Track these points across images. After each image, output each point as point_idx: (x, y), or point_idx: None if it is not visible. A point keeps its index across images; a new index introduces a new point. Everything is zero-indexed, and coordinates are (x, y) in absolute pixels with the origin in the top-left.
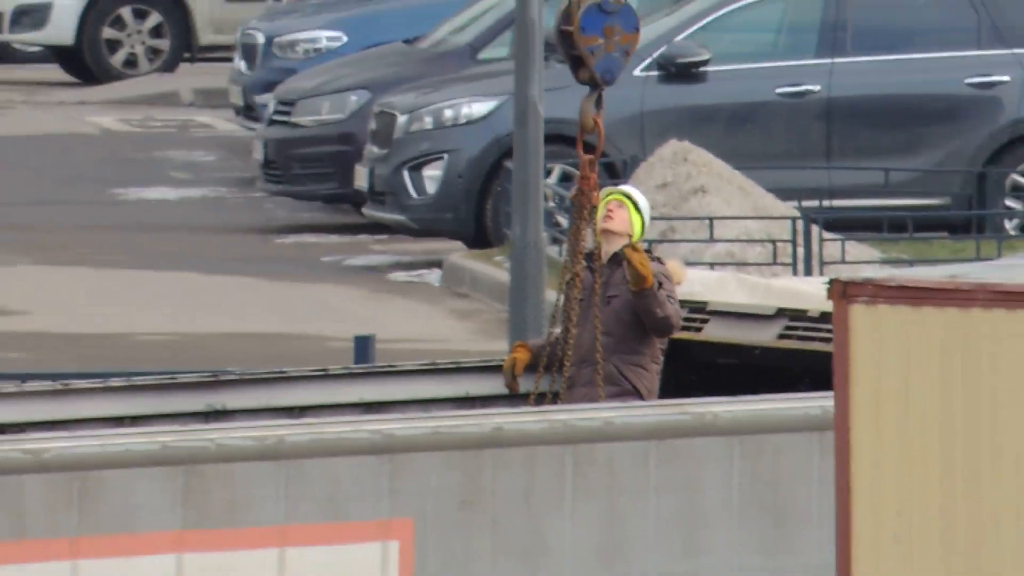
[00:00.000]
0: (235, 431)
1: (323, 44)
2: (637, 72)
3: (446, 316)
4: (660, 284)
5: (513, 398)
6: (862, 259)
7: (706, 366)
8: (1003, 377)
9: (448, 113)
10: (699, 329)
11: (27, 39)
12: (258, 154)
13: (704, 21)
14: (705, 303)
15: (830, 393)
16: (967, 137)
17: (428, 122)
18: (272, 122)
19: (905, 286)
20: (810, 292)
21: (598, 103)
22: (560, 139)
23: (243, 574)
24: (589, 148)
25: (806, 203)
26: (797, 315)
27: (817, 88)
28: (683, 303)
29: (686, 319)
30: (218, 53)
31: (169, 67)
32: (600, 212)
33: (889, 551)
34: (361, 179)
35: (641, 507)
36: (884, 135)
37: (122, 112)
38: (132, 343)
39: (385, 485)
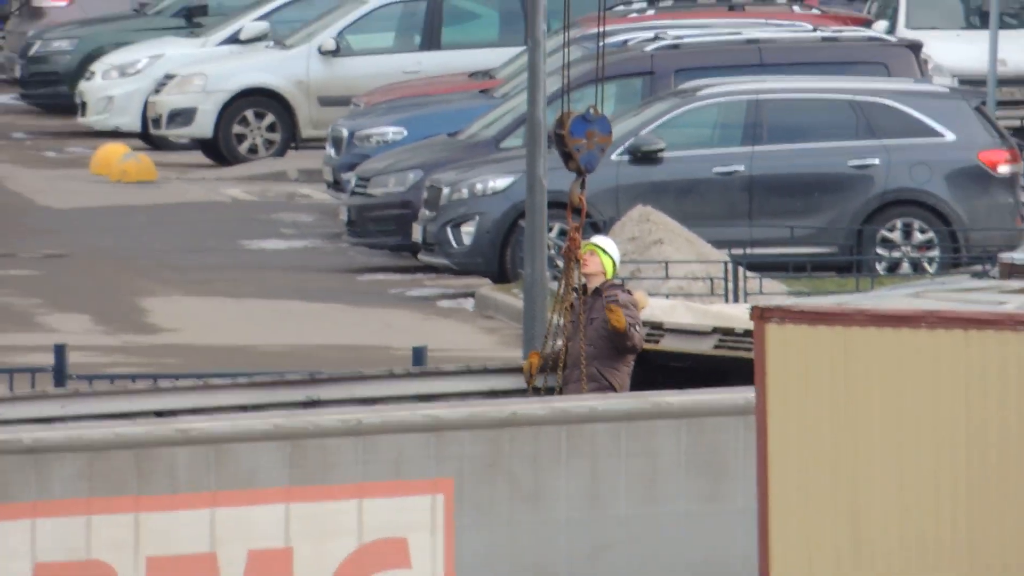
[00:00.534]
0: (327, 415)
1: (390, 136)
2: (613, 157)
3: (478, 332)
4: (630, 315)
5: (524, 392)
6: (774, 292)
7: (663, 368)
8: (875, 377)
9: (479, 186)
10: (657, 341)
11: (179, 133)
12: (343, 216)
13: (661, 120)
14: (662, 323)
15: (752, 388)
16: (849, 203)
17: (464, 192)
18: (353, 193)
19: (805, 311)
20: (737, 315)
21: (582, 186)
22: (559, 205)
23: (332, 518)
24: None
25: (734, 251)
26: (728, 332)
27: (742, 168)
28: (645, 323)
29: (648, 334)
30: (315, 143)
31: (280, 153)
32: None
33: (794, 498)
34: (417, 234)
35: (615, 467)
36: (790, 202)
37: (247, 186)
38: (254, 352)
39: (433, 453)
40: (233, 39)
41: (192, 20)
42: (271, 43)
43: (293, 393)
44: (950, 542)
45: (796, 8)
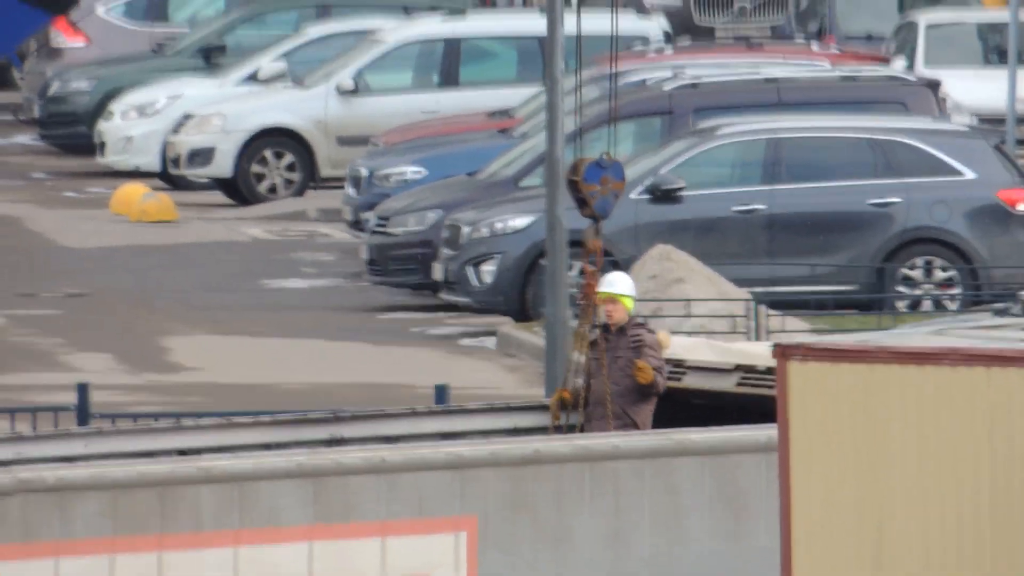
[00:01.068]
0: (349, 453)
1: (409, 176)
2: (633, 196)
3: (499, 370)
4: (654, 356)
5: (546, 430)
6: (796, 329)
7: (685, 405)
8: (898, 414)
9: (499, 225)
10: (679, 379)
11: (198, 173)
12: (364, 255)
13: (680, 159)
14: (684, 361)
15: (774, 425)
16: (869, 242)
17: (485, 232)
18: (374, 232)
19: (827, 348)
20: (759, 353)
21: (597, 232)
22: (579, 244)
23: (355, 556)
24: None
25: (756, 289)
26: (750, 369)
27: (763, 207)
28: (667, 361)
29: (670, 372)
30: (335, 182)
31: (299, 192)
32: (600, 309)
33: (817, 536)
34: (438, 272)
35: (638, 505)
36: (810, 240)
37: (266, 225)
38: (276, 390)
39: (457, 491)
40: (251, 78)
41: (210, 60)
42: (289, 83)
43: (316, 431)
44: (974, 572)
45: (815, 46)
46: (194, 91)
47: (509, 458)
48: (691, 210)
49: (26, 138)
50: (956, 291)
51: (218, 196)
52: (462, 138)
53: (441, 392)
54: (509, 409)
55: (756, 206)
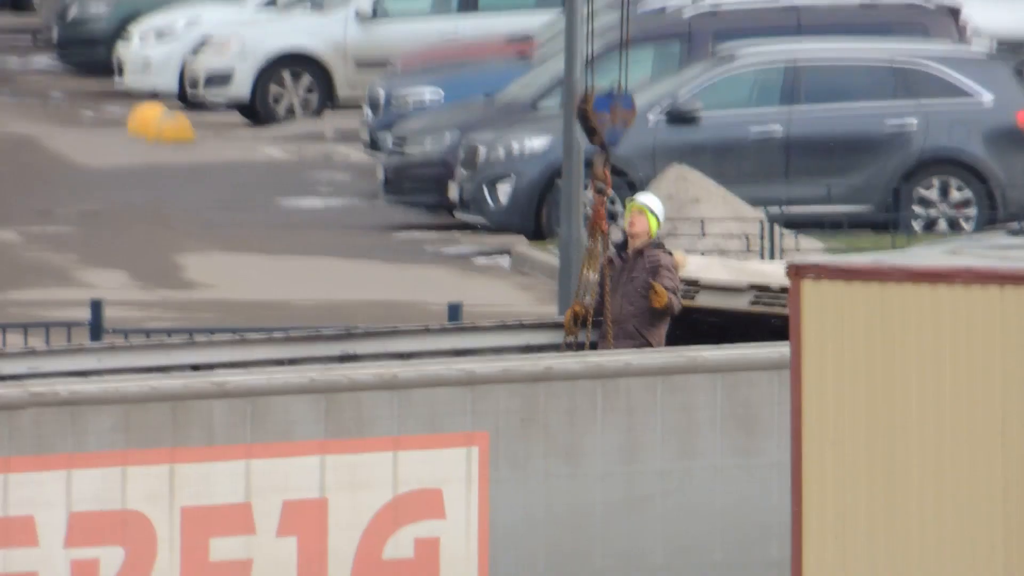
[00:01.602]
0: (362, 369)
1: (426, 97)
2: (651, 118)
3: (513, 289)
4: (670, 277)
5: (559, 347)
6: (810, 249)
7: (699, 323)
8: (910, 333)
9: (515, 146)
10: (693, 298)
11: (216, 95)
12: (380, 175)
13: (699, 83)
14: (698, 280)
15: (786, 343)
16: (886, 163)
17: (501, 152)
18: (390, 152)
19: (841, 267)
20: (773, 272)
21: (606, 161)
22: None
23: (367, 470)
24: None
25: (770, 209)
26: (763, 288)
27: (779, 128)
28: (682, 280)
29: (684, 290)
30: (352, 104)
31: (317, 114)
32: (627, 217)
33: (828, 452)
34: (453, 192)
35: (650, 422)
36: (827, 161)
37: (283, 145)
38: (290, 307)
39: (469, 407)
40: (270, 2)
41: None
42: (308, 6)
43: (329, 348)
44: (986, 491)
45: None
46: (212, 14)
47: (521, 375)
48: (709, 132)
49: (44, 60)
50: (972, 212)
51: (235, 117)
52: (480, 61)
53: (454, 310)
54: (522, 327)
55: (774, 128)
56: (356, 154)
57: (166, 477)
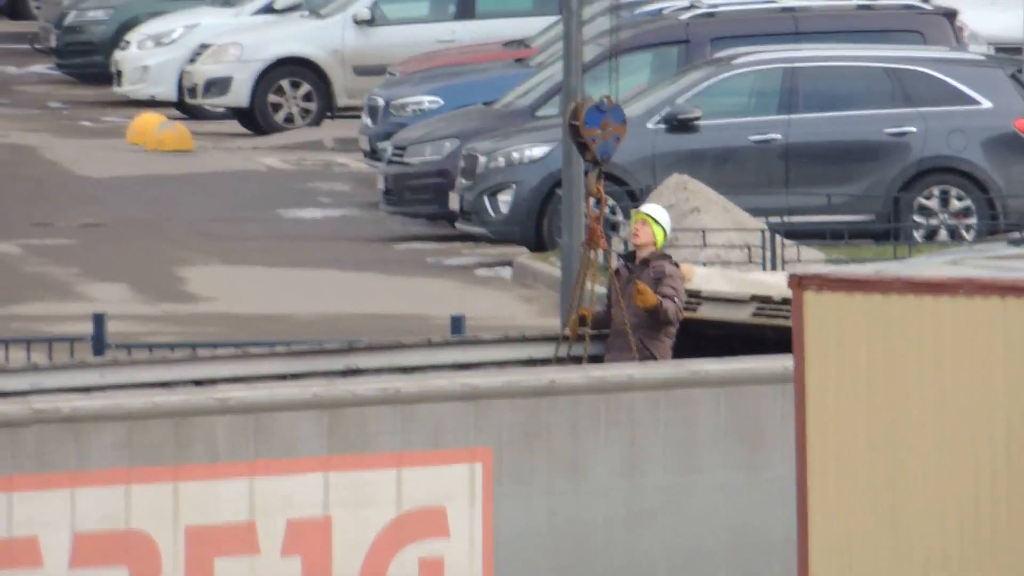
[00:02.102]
0: (365, 384)
1: (426, 106)
2: (650, 126)
3: (515, 301)
4: (673, 286)
5: (561, 359)
6: (811, 260)
7: (701, 336)
8: (912, 344)
9: (515, 155)
10: (695, 309)
11: (215, 102)
12: (380, 185)
13: (697, 88)
14: (699, 291)
15: (789, 355)
16: (886, 171)
17: (501, 161)
18: (390, 162)
19: (842, 278)
20: (775, 283)
21: (599, 177)
22: None
23: (371, 487)
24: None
25: (771, 219)
26: (765, 299)
27: (778, 136)
28: (685, 291)
29: (686, 302)
30: (351, 112)
31: (316, 122)
32: (632, 227)
33: (832, 465)
34: (454, 202)
35: (652, 437)
36: (827, 169)
37: (282, 155)
38: (292, 321)
39: (471, 422)
40: (268, 8)
41: None
42: (306, 12)
43: (332, 362)
44: (989, 504)
45: None
46: (211, 21)
47: (524, 389)
48: (708, 140)
49: (42, 67)
50: (972, 221)
51: (234, 126)
52: (478, 68)
53: (457, 323)
54: (524, 340)
55: (773, 135)
56: (355, 163)
57: (170, 495)
